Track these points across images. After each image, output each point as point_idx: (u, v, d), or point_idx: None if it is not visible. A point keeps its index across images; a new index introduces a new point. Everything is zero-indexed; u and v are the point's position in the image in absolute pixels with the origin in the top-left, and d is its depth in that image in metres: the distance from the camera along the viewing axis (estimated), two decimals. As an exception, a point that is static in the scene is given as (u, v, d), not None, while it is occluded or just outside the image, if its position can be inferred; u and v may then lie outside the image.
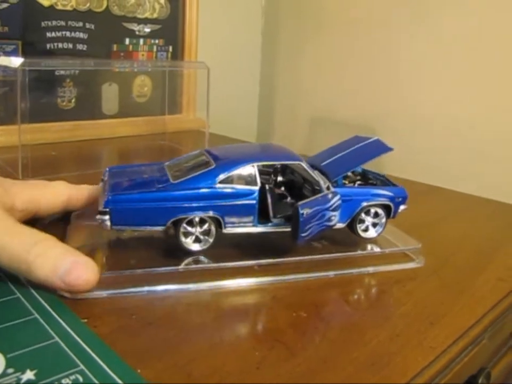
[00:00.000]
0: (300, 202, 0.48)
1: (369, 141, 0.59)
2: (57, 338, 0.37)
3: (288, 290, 0.48)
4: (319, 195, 0.50)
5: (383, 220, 0.56)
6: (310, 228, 0.49)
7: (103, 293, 0.45)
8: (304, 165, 0.53)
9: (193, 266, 0.49)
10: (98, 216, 0.47)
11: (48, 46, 1.06)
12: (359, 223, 0.56)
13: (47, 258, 0.42)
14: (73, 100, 1.10)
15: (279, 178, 0.58)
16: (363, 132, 1.30)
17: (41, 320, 0.39)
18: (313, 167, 0.57)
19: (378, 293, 0.50)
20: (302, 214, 0.47)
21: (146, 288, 0.46)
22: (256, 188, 0.50)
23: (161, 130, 1.18)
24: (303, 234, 0.48)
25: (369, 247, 0.57)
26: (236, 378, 0.36)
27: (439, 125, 1.19)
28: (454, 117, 1.16)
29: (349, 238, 0.57)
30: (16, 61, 0.78)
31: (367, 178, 0.59)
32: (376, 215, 0.56)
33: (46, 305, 0.42)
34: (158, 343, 0.39)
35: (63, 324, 0.39)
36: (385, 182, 0.59)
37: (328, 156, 0.59)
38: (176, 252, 0.51)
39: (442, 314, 0.46)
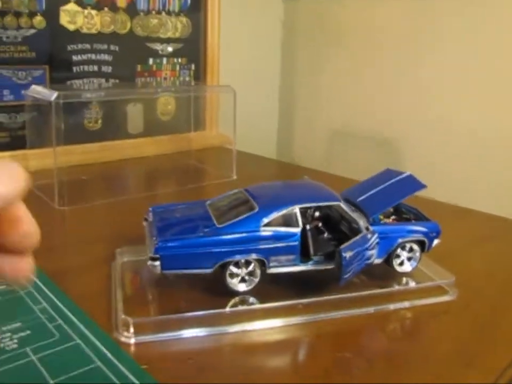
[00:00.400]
0: (342, 246, 0.50)
1: (402, 176, 0.61)
2: (122, 388, 0.40)
3: (332, 327, 0.50)
4: (359, 236, 0.52)
5: (418, 254, 0.58)
6: (352, 269, 0.51)
7: (158, 336, 0.47)
8: (343, 205, 0.55)
9: (240, 308, 0.51)
10: (149, 262, 0.50)
11: (74, 69, 1.09)
12: (395, 258, 0.57)
13: None
14: (99, 121, 1.13)
15: (316, 213, 0.60)
16: (382, 146, 1.32)
17: (105, 369, 0.42)
18: (349, 202, 0.59)
19: (416, 330, 0.52)
20: (345, 257, 0.49)
21: (196, 330, 0.48)
22: (298, 230, 0.53)
23: (186, 147, 1.20)
24: (345, 276, 0.51)
25: (404, 280, 0.59)
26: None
27: (463, 140, 1.20)
28: (475, 131, 1.17)
29: (385, 271, 0.59)
30: (50, 94, 0.80)
31: (400, 212, 0.61)
32: (411, 249, 0.58)
33: (106, 351, 0.44)
34: (215, 389, 0.41)
35: (126, 372, 0.41)
36: (418, 215, 0.60)
37: (363, 190, 0.61)
38: (223, 290, 0.53)
39: (479, 353, 0.48)
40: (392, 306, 0.54)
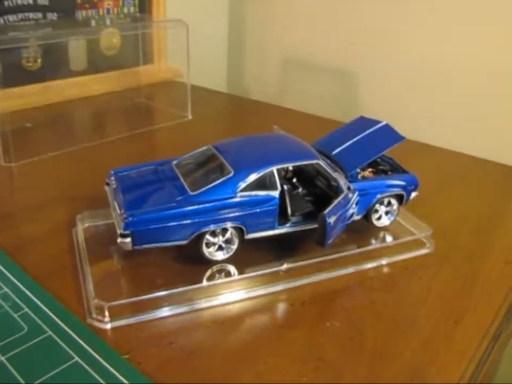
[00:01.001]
0: (326, 211, 0.47)
1: (379, 126, 0.58)
2: (105, 384, 0.37)
3: (315, 293, 0.49)
4: (341, 197, 0.49)
5: (395, 208, 0.56)
6: (335, 232, 0.49)
7: (135, 319, 0.44)
8: (322, 163, 0.52)
9: (219, 281, 0.48)
10: (119, 240, 0.46)
11: (6, 3, 0.98)
12: (373, 213, 0.56)
13: None
14: (39, 60, 1.03)
15: (290, 168, 0.56)
16: (340, 75, 1.28)
17: (85, 365, 0.38)
18: (324, 155, 0.56)
19: (399, 290, 0.51)
20: (329, 223, 0.47)
21: (174, 307, 0.45)
22: (277, 193, 0.49)
23: (135, 83, 1.13)
24: (329, 241, 0.48)
25: (382, 234, 0.57)
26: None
27: (419, 69, 1.16)
28: (435, 62, 1.13)
29: (363, 226, 0.57)
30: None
31: (376, 163, 0.58)
32: (389, 203, 0.56)
33: (82, 343, 0.41)
34: (203, 375, 0.39)
35: (108, 366, 0.38)
36: (394, 165, 0.58)
37: (337, 141, 0.58)
38: (198, 257, 0.50)
39: (463, 311, 0.48)
40: (371, 265, 0.53)
